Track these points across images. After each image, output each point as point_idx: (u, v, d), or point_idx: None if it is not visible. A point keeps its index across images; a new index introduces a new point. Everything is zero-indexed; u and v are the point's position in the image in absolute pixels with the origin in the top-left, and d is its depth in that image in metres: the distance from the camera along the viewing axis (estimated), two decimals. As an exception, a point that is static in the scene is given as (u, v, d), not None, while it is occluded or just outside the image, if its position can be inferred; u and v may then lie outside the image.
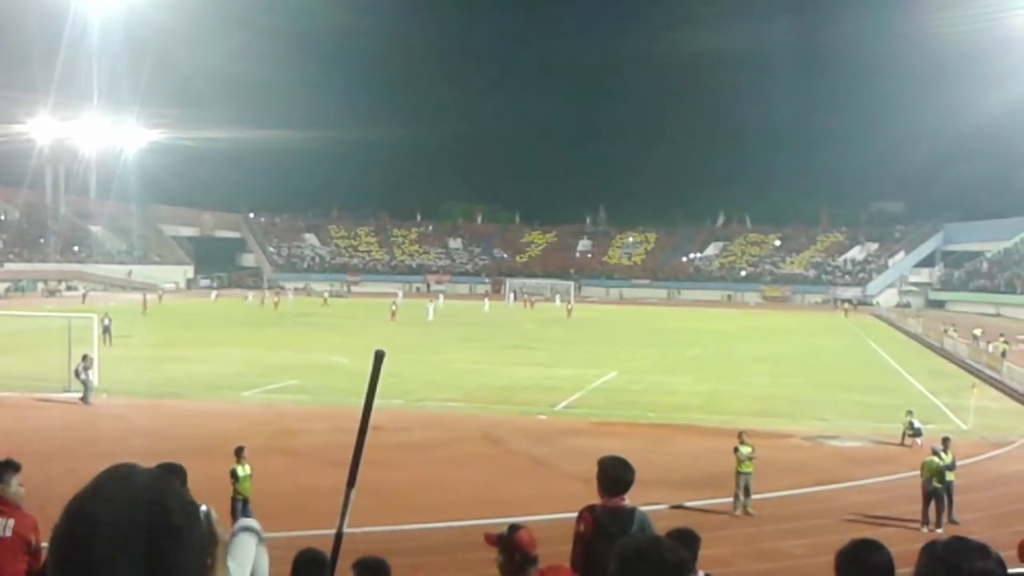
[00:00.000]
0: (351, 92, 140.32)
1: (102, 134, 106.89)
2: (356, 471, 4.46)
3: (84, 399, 27.93)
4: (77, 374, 28.20)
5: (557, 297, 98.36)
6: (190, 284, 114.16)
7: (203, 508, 1.53)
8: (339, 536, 4.53)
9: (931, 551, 2.64)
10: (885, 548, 3.56)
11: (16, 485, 5.67)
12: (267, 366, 37.65)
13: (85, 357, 28.59)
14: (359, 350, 43.01)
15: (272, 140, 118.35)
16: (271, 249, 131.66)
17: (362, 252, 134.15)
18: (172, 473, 5.64)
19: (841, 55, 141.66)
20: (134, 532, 1.38)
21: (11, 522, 5.45)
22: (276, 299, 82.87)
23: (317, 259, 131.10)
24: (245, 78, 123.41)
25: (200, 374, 35.07)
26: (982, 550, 2.61)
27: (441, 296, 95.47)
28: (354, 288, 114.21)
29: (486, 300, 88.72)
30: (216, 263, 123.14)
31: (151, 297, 77.37)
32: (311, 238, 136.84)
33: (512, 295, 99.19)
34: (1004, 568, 2.81)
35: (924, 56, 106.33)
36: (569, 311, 79.76)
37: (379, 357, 4.41)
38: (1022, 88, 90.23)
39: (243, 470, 14.87)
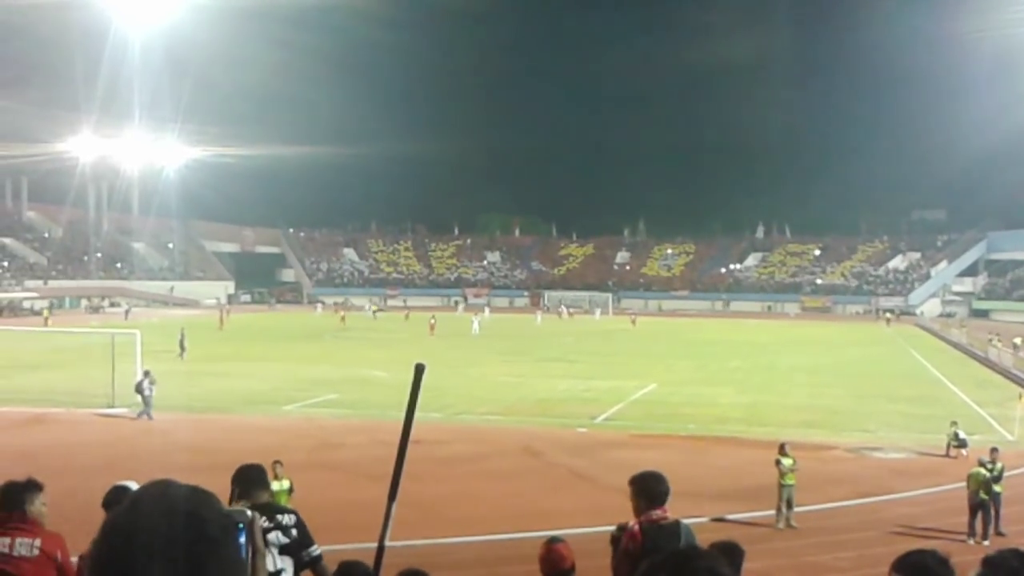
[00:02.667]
0: (388, 107, 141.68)
1: (144, 151, 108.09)
2: (397, 485, 4.47)
3: (145, 414, 27.92)
4: (140, 390, 28.21)
5: (597, 311, 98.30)
6: (231, 300, 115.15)
7: (248, 514, 1.53)
8: (381, 549, 4.55)
9: (994, 562, 2.59)
10: (949, 561, 3.45)
11: (39, 504, 5.74)
12: (307, 380, 37.83)
13: (147, 373, 28.62)
14: (399, 363, 43.18)
15: (311, 156, 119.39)
16: (310, 264, 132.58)
17: (401, 266, 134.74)
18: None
19: (882, 63, 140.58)
20: (171, 544, 1.39)
21: (37, 541, 5.51)
22: (343, 313, 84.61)
23: (356, 274, 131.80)
24: (284, 95, 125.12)
25: (240, 389, 35.33)
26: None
27: (487, 309, 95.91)
28: (391, 302, 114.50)
29: (538, 313, 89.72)
30: (256, 278, 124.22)
31: (223, 311, 78.17)
32: (350, 253, 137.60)
33: (561, 308, 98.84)
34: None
35: (967, 62, 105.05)
36: (633, 321, 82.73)
37: (419, 371, 4.42)
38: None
39: (279, 484, 14.65)
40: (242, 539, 1.50)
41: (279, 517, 6.19)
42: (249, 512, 1.56)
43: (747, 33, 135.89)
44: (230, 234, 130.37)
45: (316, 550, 6.26)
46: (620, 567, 5.79)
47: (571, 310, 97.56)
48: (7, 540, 5.50)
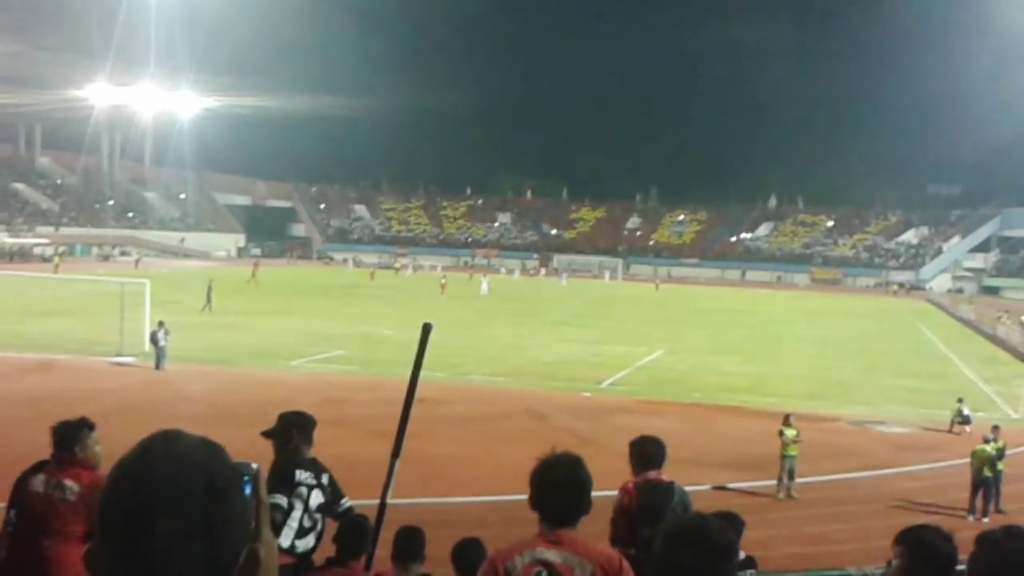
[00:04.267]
0: (405, 61, 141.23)
1: (158, 101, 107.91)
2: (401, 443, 4.54)
3: (158, 365, 27.97)
4: (155, 340, 28.26)
5: (607, 274, 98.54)
6: (240, 253, 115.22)
7: (253, 466, 1.55)
8: (383, 505, 4.63)
9: (990, 540, 2.60)
10: (952, 538, 3.44)
11: (92, 444, 5.76)
12: (316, 335, 37.90)
13: (161, 323, 28.55)
14: (409, 322, 43.31)
15: (325, 109, 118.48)
16: (321, 219, 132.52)
17: (411, 224, 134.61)
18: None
19: (899, 36, 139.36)
20: (178, 495, 1.40)
21: (76, 486, 5.54)
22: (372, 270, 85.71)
23: (367, 231, 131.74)
24: (299, 46, 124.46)
25: (250, 342, 35.47)
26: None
27: (517, 271, 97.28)
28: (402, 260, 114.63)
29: (564, 276, 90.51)
30: (267, 232, 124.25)
31: (256, 265, 77.22)
32: (361, 209, 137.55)
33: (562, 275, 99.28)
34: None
35: (987, 39, 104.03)
36: (657, 286, 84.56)
37: (426, 330, 4.47)
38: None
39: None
40: (248, 491, 1.52)
41: (322, 477, 6.31)
42: (254, 465, 1.58)
43: (767, 4, 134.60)
44: (242, 186, 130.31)
45: (347, 502, 6.51)
46: (617, 521, 6.03)
47: (568, 276, 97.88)
48: (54, 481, 5.56)
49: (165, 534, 1.38)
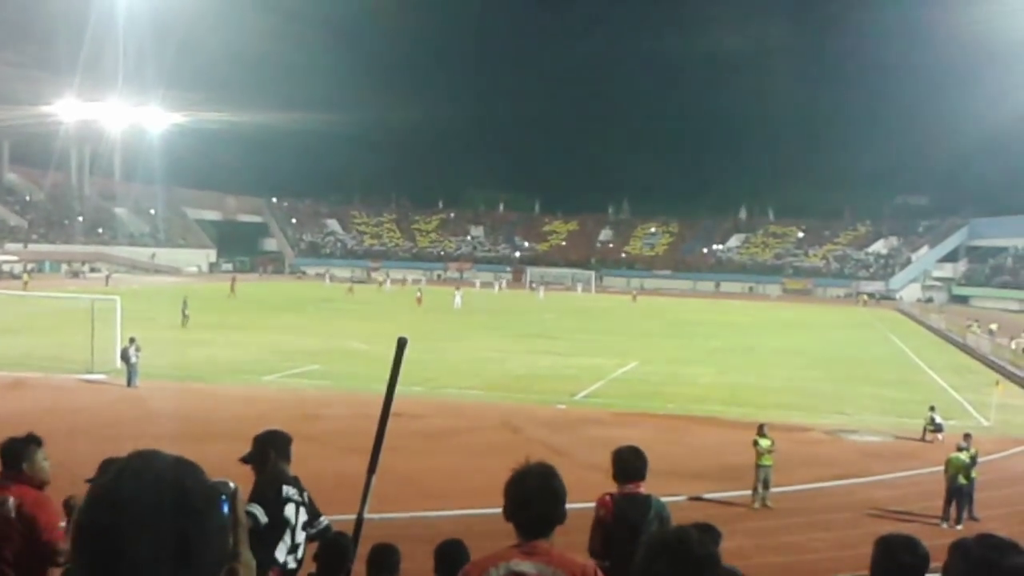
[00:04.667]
0: (376, 77, 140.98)
1: (127, 116, 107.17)
2: (377, 459, 4.51)
3: (129, 382, 27.63)
4: (125, 357, 27.97)
5: (579, 286, 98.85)
6: (212, 268, 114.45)
7: (231, 485, 1.53)
8: (359, 521, 4.59)
9: (963, 548, 2.61)
10: (922, 547, 3.49)
11: (41, 460, 5.68)
12: (290, 350, 37.72)
13: (132, 340, 28.21)
14: (383, 336, 43.18)
15: (295, 124, 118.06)
16: (293, 234, 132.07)
17: (384, 239, 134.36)
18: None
19: (868, 50, 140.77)
20: (156, 515, 1.38)
21: (15, 503, 5.44)
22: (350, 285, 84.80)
23: (339, 245, 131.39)
24: (269, 62, 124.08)
25: (223, 357, 35.26)
26: (1015, 547, 2.58)
27: (501, 284, 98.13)
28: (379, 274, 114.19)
29: (541, 289, 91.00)
30: (238, 247, 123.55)
31: (233, 280, 76.88)
32: (333, 224, 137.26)
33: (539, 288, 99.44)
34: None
35: (955, 52, 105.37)
36: (634, 297, 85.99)
37: (401, 345, 4.45)
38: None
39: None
40: (225, 510, 1.50)
41: (304, 494, 6.31)
42: (232, 484, 1.56)
43: (736, 17, 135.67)
44: (213, 201, 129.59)
45: (324, 520, 6.46)
46: (593, 533, 6.00)
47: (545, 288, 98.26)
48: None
49: (139, 556, 1.36)
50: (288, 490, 6.13)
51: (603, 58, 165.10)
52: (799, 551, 14.82)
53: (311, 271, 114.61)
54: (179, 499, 1.41)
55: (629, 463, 6.07)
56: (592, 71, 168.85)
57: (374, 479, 4.51)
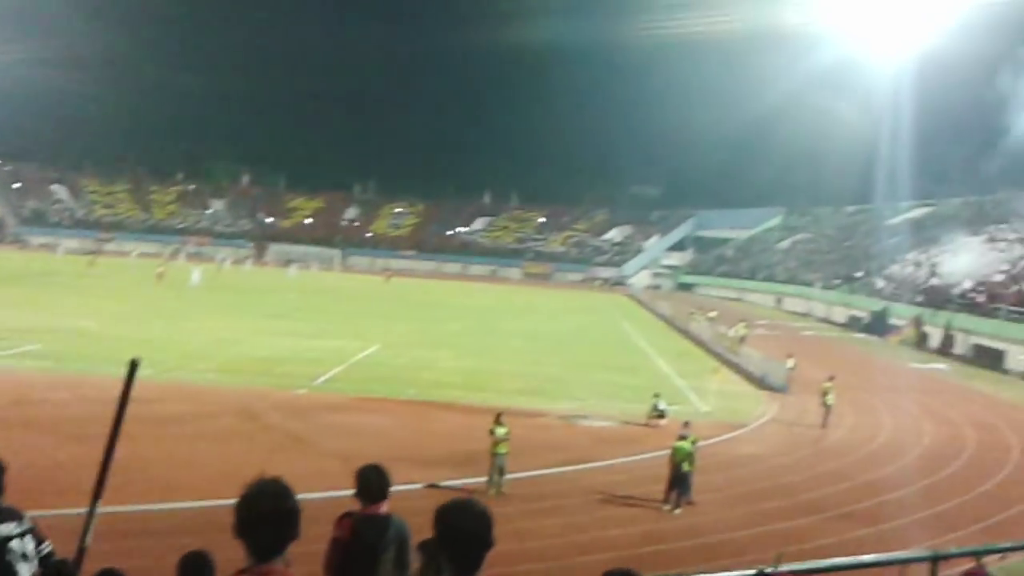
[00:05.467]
0: (113, 30, 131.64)
1: None
2: (103, 486, 4.25)
3: None
4: None
5: (314, 265, 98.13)
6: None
7: None
8: (81, 551, 4.29)
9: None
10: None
11: None
12: (5, 327, 34.99)
13: None
14: (116, 314, 41.02)
15: (19, 78, 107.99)
16: (15, 200, 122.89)
17: (117, 208, 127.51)
18: None
19: (602, 45, 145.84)
20: None
21: None
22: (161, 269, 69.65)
23: (67, 214, 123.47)
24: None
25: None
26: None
27: (249, 261, 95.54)
28: (107, 247, 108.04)
29: (293, 267, 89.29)
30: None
31: None
32: (61, 190, 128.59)
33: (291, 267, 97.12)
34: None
35: (687, 51, 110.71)
36: (388, 278, 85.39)
37: (133, 367, 4.20)
38: (779, 88, 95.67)
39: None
40: None
41: (24, 520, 5.04)
42: None
43: (500, 8, 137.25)
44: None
45: (47, 546, 5.13)
46: (330, 555, 5.90)
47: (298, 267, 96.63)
48: None
49: None
50: (3, 528, 4.85)
51: (351, 39, 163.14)
52: (532, 537, 15.25)
53: (35, 241, 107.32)
54: None
55: (373, 484, 6.00)
56: (340, 50, 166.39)
57: (99, 506, 4.28)
